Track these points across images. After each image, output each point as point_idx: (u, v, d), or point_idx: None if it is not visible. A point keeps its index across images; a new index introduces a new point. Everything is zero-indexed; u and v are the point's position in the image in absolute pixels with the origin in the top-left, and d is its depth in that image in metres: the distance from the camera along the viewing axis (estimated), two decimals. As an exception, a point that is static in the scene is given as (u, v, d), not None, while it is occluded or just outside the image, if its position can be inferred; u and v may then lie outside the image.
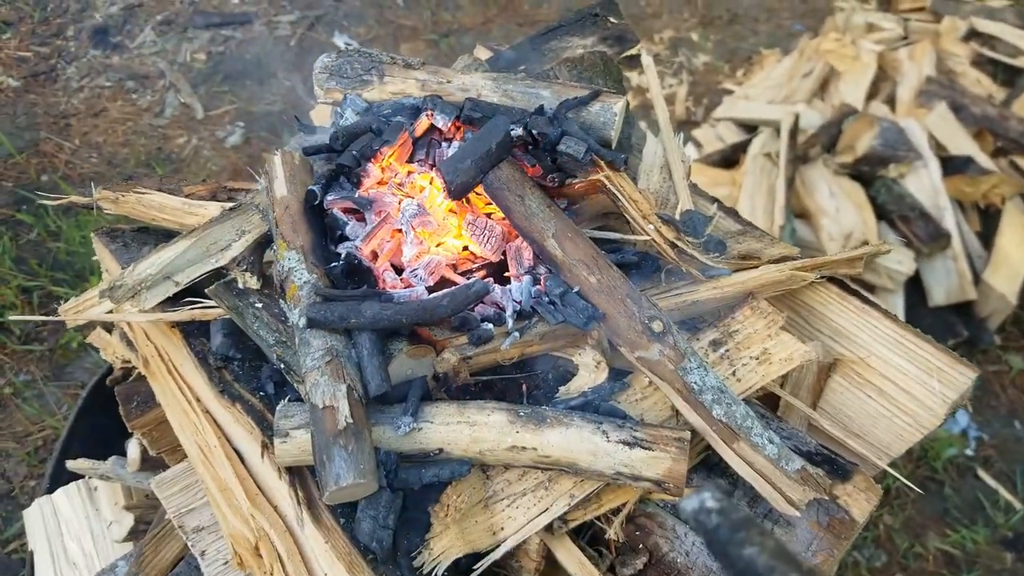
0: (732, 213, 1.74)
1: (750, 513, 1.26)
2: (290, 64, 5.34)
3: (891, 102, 4.40)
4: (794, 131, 4.05)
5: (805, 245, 3.79)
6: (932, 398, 1.51)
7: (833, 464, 1.38)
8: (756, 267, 1.49)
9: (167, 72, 5.17)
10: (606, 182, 1.42)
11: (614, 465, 1.24)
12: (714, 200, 1.74)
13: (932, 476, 3.38)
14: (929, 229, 3.68)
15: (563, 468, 1.28)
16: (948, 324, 3.77)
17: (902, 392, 1.55)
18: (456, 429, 1.29)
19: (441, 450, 1.29)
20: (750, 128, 4.57)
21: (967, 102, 4.15)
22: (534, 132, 1.43)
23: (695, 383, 1.26)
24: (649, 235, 1.43)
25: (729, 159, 4.39)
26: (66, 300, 3.67)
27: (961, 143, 3.98)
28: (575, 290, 1.35)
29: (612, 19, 1.90)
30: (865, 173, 3.92)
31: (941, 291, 3.72)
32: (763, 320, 1.44)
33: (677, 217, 1.50)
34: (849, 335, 1.59)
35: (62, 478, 2.32)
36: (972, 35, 4.72)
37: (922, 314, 3.73)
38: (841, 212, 3.81)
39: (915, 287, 3.77)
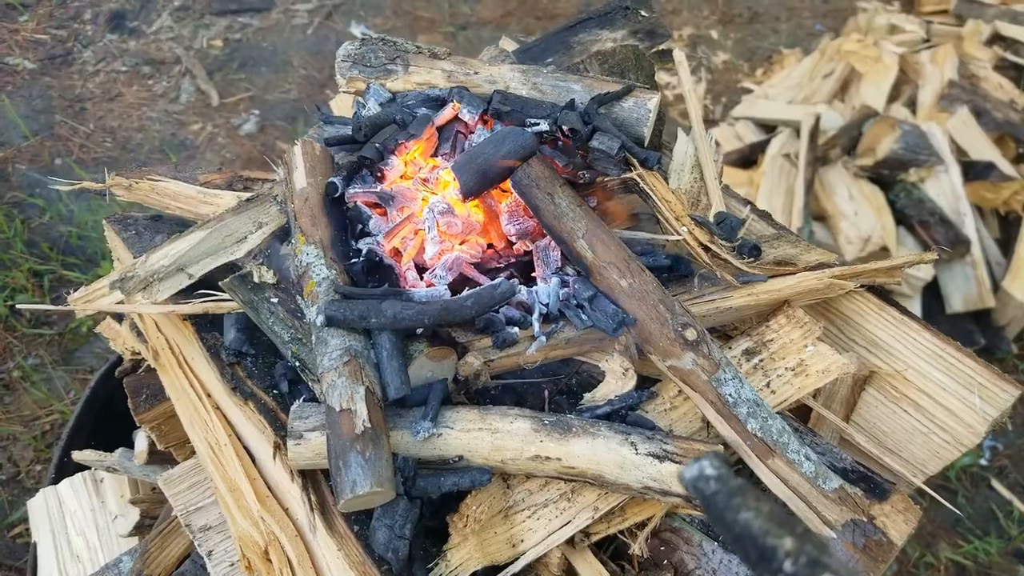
0: (765, 216, 1.68)
1: (747, 480, 1.22)
2: (307, 53, 5.30)
3: (912, 105, 4.33)
4: (814, 132, 3.99)
5: (822, 248, 3.72)
6: (972, 415, 1.45)
7: (870, 482, 1.32)
8: (793, 274, 1.43)
9: (183, 58, 5.14)
10: (639, 181, 1.36)
11: (642, 479, 1.18)
12: (747, 202, 1.68)
13: (945, 485, 3.32)
14: (949, 235, 3.63)
15: (588, 480, 1.22)
16: (965, 332, 3.71)
17: (940, 408, 1.49)
18: (477, 436, 1.24)
19: (461, 457, 1.24)
20: (769, 128, 4.51)
21: (989, 107, 4.09)
22: (564, 128, 1.37)
23: (729, 395, 1.21)
24: (682, 237, 1.37)
25: (747, 159, 4.34)
26: (77, 284, 3.69)
27: (982, 148, 3.93)
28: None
29: (643, 13, 1.83)
30: (885, 177, 3.86)
31: (959, 298, 3.66)
32: (799, 329, 1.38)
33: (711, 219, 1.44)
34: (886, 346, 1.52)
35: (68, 466, 2.28)
36: (995, 39, 4.66)
37: (939, 321, 3.67)
38: (860, 216, 3.76)
39: (933, 293, 3.71)
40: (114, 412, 2.17)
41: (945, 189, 3.80)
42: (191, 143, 4.64)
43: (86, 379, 3.45)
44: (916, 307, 3.64)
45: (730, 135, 4.65)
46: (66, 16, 5.33)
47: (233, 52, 5.27)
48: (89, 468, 2.19)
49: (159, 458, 1.98)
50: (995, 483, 3.34)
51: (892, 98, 4.39)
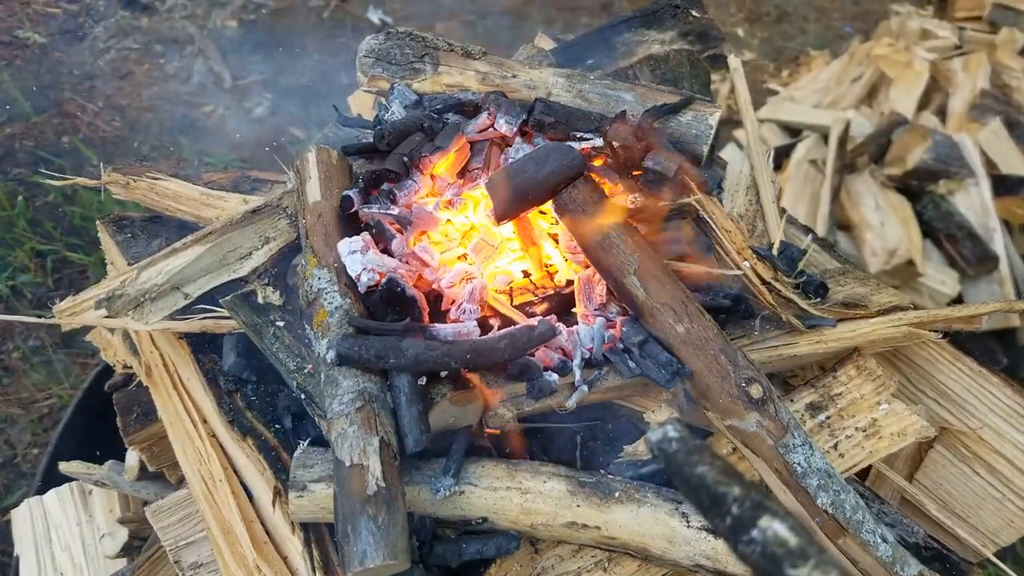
0: (827, 247, 1.51)
1: (706, 441, 1.22)
2: (322, 37, 5.15)
3: (942, 114, 4.17)
4: (843, 138, 3.84)
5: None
6: (1054, 483, 1.30)
7: (945, 562, 1.17)
8: (864, 317, 1.26)
9: (197, 37, 5.00)
10: (698, 207, 1.20)
11: (693, 555, 1.03)
12: (807, 230, 1.52)
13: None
14: (976, 251, 3.49)
15: (630, 552, 1.07)
16: (987, 350, 3.55)
17: (1018, 472, 1.33)
18: (504, 496, 1.08)
19: (485, 519, 1.09)
20: (794, 131, 4.35)
21: (1022, 119, 3.93)
22: (614, 143, 1.21)
23: (798, 464, 1.05)
24: (744, 273, 1.20)
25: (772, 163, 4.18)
26: (80, 266, 3.57)
27: (1014, 162, 3.78)
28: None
29: (694, 12, 1.67)
30: (913, 187, 3.71)
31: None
32: (871, 383, 1.22)
33: (774, 251, 1.28)
34: (959, 401, 1.37)
35: (56, 473, 2.14)
36: (1030, 48, 4.49)
37: (961, 338, 3.53)
38: (886, 227, 3.61)
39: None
40: (109, 415, 2.04)
41: (974, 203, 3.66)
42: (201, 125, 4.51)
43: (86, 363, 3.36)
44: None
45: (754, 138, 4.49)
46: (79, -11, 5.20)
47: (247, 33, 5.14)
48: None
49: (152, 473, 1.84)
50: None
51: (922, 106, 4.24)
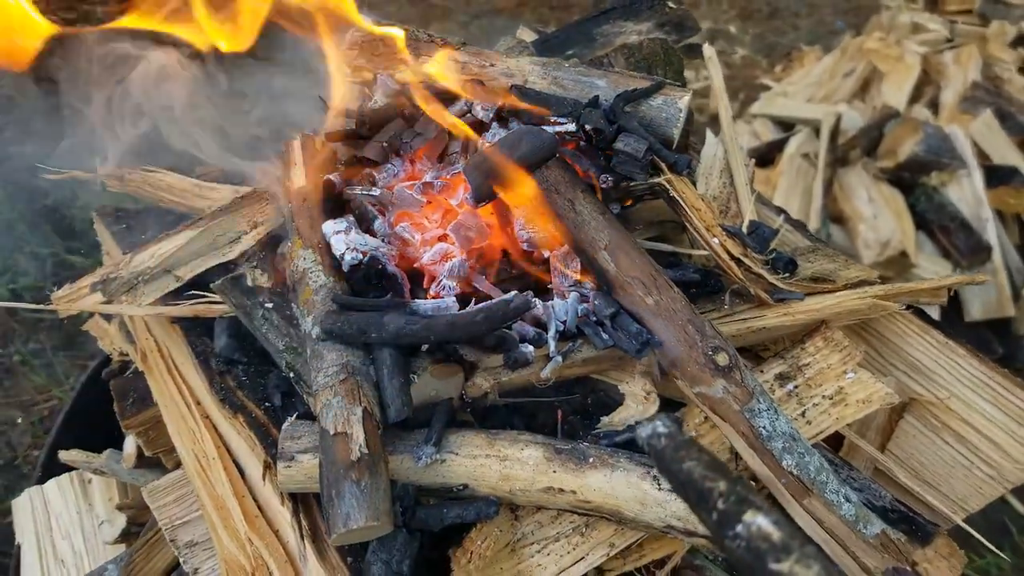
0: (800, 226, 1.56)
1: (692, 437, 1.22)
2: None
3: (934, 107, 4.22)
4: (835, 132, 3.89)
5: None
6: (1020, 449, 1.34)
7: (911, 523, 1.21)
8: (831, 291, 1.31)
9: (191, 40, 5.03)
10: (667, 187, 1.25)
11: (665, 517, 1.08)
12: (780, 211, 1.56)
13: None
14: (970, 241, 3.53)
15: (605, 515, 1.11)
16: (983, 340, 3.58)
17: (985, 440, 1.38)
18: (484, 463, 1.13)
19: (466, 486, 1.13)
20: (787, 126, 4.39)
21: (1014, 110, 3.98)
22: (587, 127, 1.26)
23: (763, 427, 1.09)
24: (713, 249, 1.25)
25: (764, 157, 4.22)
26: (80, 269, 3.61)
27: (1006, 153, 3.82)
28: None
29: (670, 4, 1.72)
30: (905, 180, 3.76)
31: (978, 306, 3.54)
32: (838, 354, 1.26)
33: (744, 229, 1.33)
34: (928, 372, 1.41)
35: (56, 465, 2.18)
36: (1020, 41, 4.53)
37: (957, 329, 3.55)
38: (879, 219, 3.66)
39: (951, 300, 3.59)
40: (108, 407, 2.08)
41: (967, 194, 3.70)
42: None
43: (87, 365, 3.39)
44: (934, 314, 3.53)
45: (747, 132, 4.54)
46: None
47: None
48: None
49: (149, 461, 1.89)
50: (1009, 497, 3.22)
51: (914, 99, 4.29)
